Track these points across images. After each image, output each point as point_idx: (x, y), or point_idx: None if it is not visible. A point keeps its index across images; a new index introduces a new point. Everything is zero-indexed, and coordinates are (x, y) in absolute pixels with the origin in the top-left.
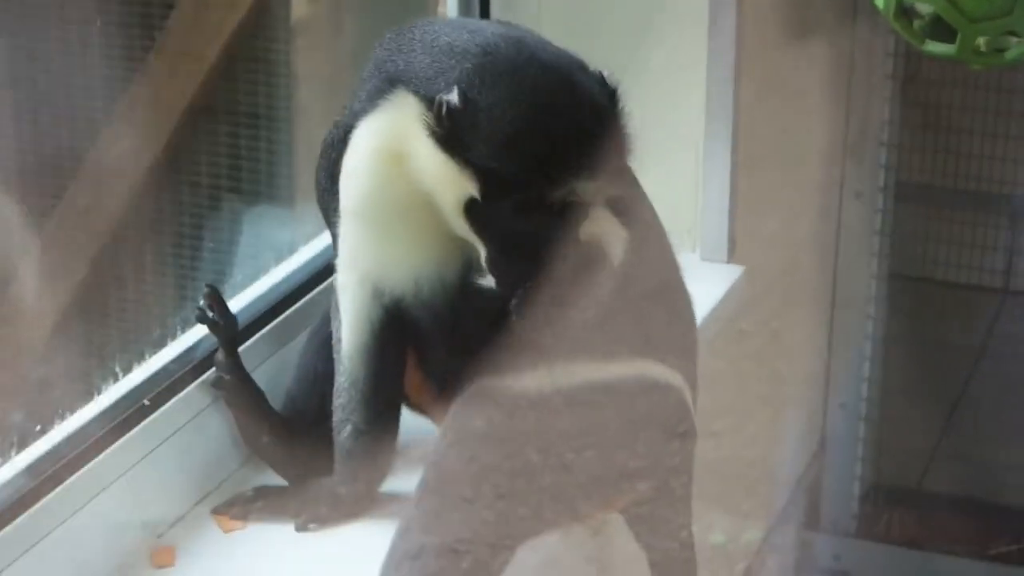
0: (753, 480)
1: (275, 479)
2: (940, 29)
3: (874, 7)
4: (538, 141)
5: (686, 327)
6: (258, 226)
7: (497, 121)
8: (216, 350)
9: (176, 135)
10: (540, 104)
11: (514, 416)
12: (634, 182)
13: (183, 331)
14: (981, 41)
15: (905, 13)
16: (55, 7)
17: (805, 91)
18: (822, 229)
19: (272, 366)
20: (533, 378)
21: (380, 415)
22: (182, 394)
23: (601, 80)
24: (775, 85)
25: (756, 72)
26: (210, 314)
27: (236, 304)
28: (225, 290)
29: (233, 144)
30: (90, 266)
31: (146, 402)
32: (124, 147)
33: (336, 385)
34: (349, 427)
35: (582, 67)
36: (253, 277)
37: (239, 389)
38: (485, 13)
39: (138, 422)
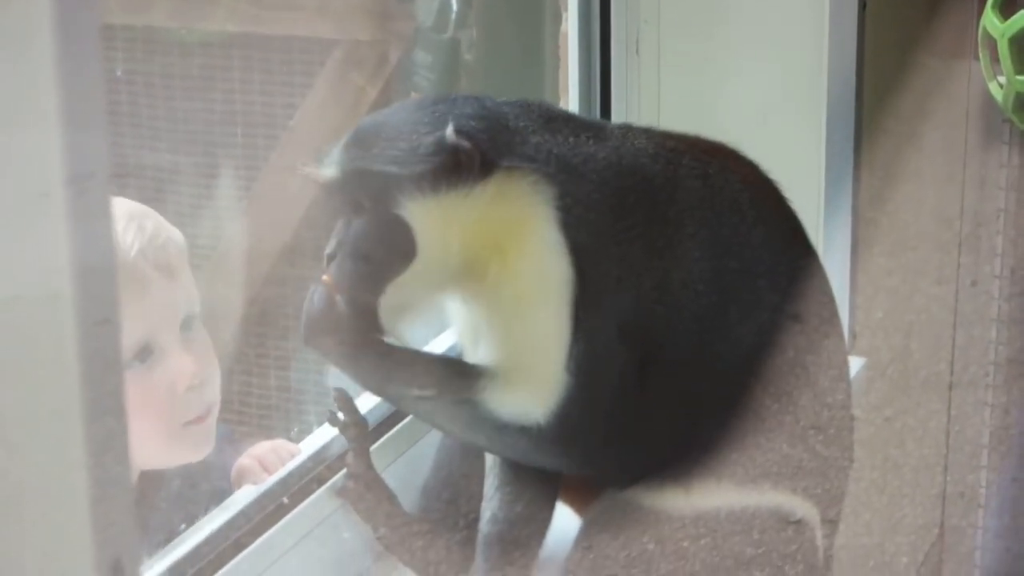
0: (870, 569)
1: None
2: None
3: (991, 98)
4: None
5: (842, 454)
6: None
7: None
8: (347, 451)
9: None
10: None
11: (646, 532)
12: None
13: (319, 425)
14: None
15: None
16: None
17: (921, 180)
18: (938, 317)
19: (403, 464)
20: (671, 496)
21: (530, 515)
22: (318, 492)
23: None
24: (892, 175)
25: (875, 162)
26: (341, 416)
27: (366, 403)
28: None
29: None
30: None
31: (284, 500)
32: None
33: (486, 485)
34: (494, 522)
35: None
36: None
37: (370, 493)
38: (606, 105)
39: (276, 521)
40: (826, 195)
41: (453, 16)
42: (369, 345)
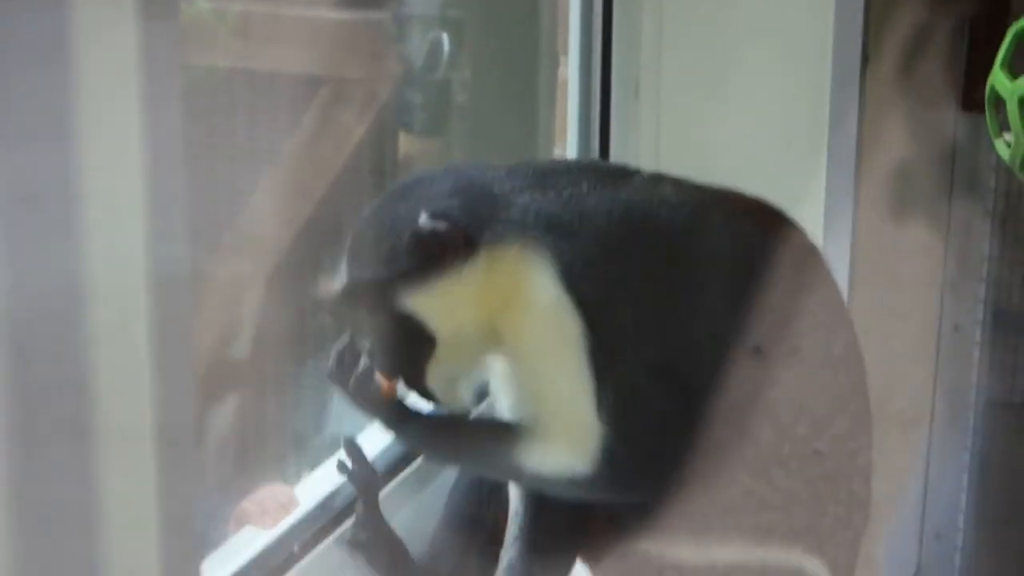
0: None
1: None
2: None
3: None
4: None
5: (861, 517)
6: None
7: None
8: (356, 500)
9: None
10: None
11: None
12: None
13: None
14: None
15: None
16: None
17: (905, 225)
18: (919, 359)
19: (412, 510)
20: (684, 548)
21: (549, 561)
22: (327, 541)
23: None
24: (886, 217)
25: (871, 206)
26: (350, 465)
27: (373, 448)
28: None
29: None
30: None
31: (295, 549)
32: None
33: (508, 534)
34: (512, 571)
35: None
36: None
37: (379, 544)
38: (605, 148)
39: (286, 570)
40: (825, 240)
41: (445, 57)
42: (409, 419)
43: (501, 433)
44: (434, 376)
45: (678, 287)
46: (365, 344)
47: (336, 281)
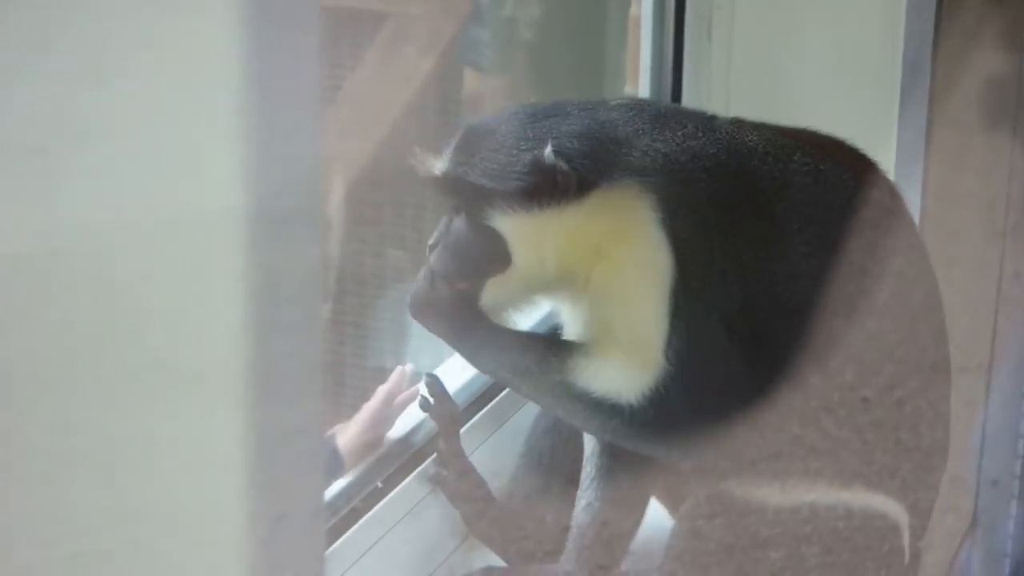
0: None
1: (493, 558)
2: None
3: None
4: None
5: (936, 457)
6: None
7: None
8: (437, 435)
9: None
10: None
11: (742, 525)
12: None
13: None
14: None
15: None
16: None
17: (970, 173)
18: (979, 306)
19: (491, 446)
20: (768, 490)
21: (626, 506)
22: (409, 478)
23: None
24: (952, 163)
25: (941, 150)
26: (431, 401)
27: (454, 384)
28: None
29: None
30: None
31: (379, 484)
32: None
33: (583, 474)
34: (590, 511)
35: None
36: None
37: (460, 480)
38: (677, 90)
39: (371, 506)
40: (896, 179)
41: None
42: (469, 324)
43: (560, 345)
44: (491, 292)
45: (768, 237)
46: (439, 234)
47: (437, 162)
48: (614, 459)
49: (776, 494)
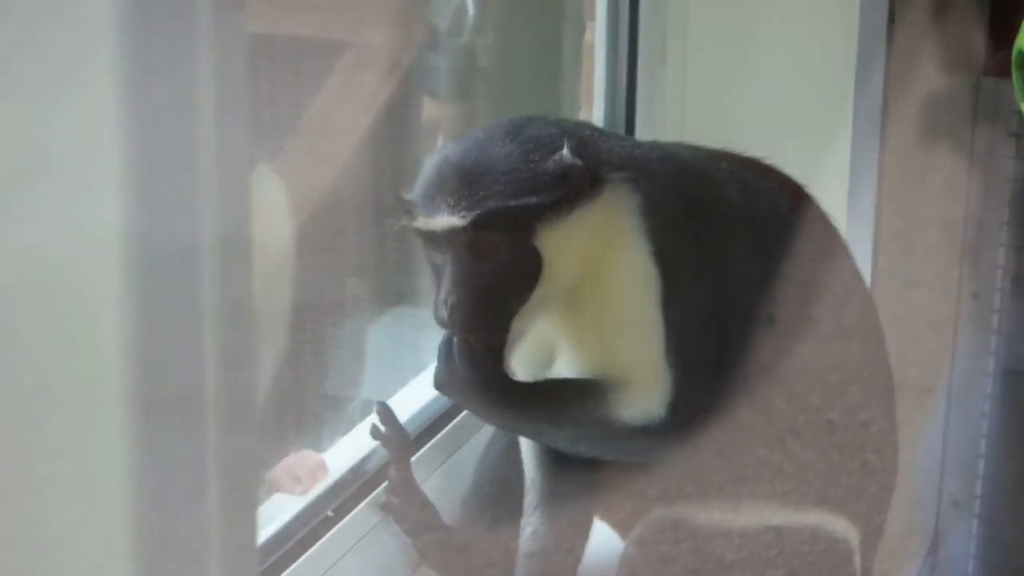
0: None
1: None
2: None
3: (997, 111)
4: None
5: (887, 475)
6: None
7: None
8: (388, 463)
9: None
10: None
11: (694, 550)
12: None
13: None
14: None
15: None
16: None
17: (926, 192)
18: (938, 327)
19: (442, 475)
20: (718, 511)
21: (571, 531)
22: (361, 505)
23: None
24: (907, 183)
25: (895, 171)
26: (383, 429)
27: (406, 412)
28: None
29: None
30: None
31: (330, 513)
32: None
33: (526, 502)
34: (536, 536)
35: None
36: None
37: (411, 508)
38: (631, 115)
39: (322, 534)
40: (848, 208)
41: (469, 21)
42: (505, 387)
43: (586, 388)
44: (520, 321)
45: (728, 240)
46: (452, 288)
47: (444, 213)
48: (556, 484)
49: (728, 517)
